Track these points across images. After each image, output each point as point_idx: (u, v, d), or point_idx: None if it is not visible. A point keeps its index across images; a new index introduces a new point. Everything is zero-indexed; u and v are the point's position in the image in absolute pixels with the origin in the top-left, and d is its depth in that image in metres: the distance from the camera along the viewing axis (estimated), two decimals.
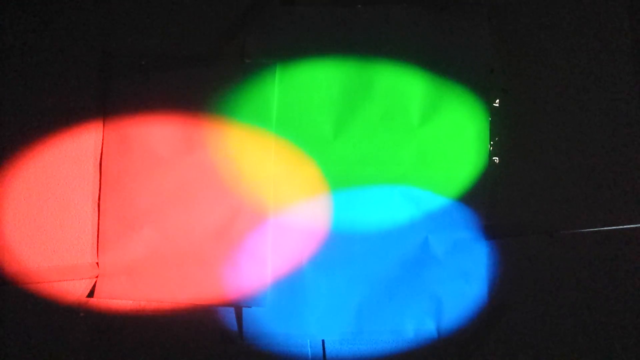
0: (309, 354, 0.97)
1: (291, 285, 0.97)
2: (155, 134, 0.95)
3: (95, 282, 0.95)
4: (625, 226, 1.00)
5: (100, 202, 0.95)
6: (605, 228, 1.00)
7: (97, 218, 0.95)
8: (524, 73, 1.00)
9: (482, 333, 0.99)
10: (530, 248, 1.00)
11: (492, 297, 0.99)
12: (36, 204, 0.94)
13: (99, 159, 0.95)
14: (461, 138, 0.98)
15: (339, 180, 0.98)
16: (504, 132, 0.99)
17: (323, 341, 0.98)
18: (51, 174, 0.94)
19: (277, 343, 0.96)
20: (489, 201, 0.99)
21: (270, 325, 0.96)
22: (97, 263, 0.95)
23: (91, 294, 0.95)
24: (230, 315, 0.97)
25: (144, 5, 0.97)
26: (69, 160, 0.95)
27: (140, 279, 0.95)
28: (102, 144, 0.95)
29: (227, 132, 0.96)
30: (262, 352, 0.97)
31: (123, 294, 0.94)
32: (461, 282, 0.98)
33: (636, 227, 1.00)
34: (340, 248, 0.97)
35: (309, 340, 0.98)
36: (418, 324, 0.98)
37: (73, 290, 0.95)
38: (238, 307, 0.96)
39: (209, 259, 0.95)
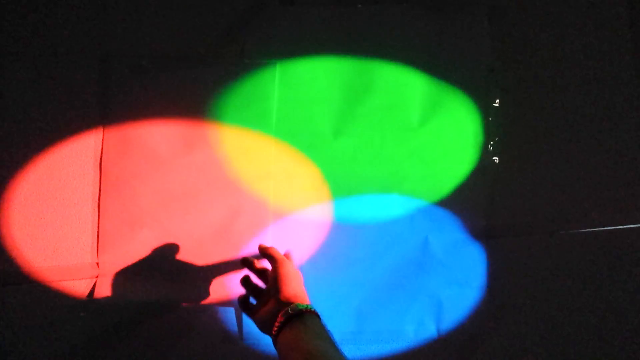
0: None
1: None
2: (155, 134, 0.95)
3: (95, 282, 0.95)
4: (625, 226, 1.00)
5: (100, 202, 0.95)
6: (606, 228, 1.00)
7: (97, 218, 0.95)
8: (524, 73, 1.00)
9: (482, 333, 0.99)
10: (530, 248, 1.00)
11: (492, 297, 0.99)
12: (36, 204, 0.94)
13: (99, 160, 0.95)
14: (461, 138, 0.99)
15: (339, 180, 0.97)
16: (504, 132, 0.99)
17: None
18: (51, 174, 0.94)
19: None
20: (488, 201, 0.99)
21: None
22: (97, 263, 0.95)
23: (91, 294, 0.95)
24: (230, 315, 0.97)
25: (143, 5, 0.97)
26: (69, 161, 0.95)
27: (140, 279, 0.95)
28: (102, 144, 0.95)
29: (226, 132, 0.96)
30: (262, 352, 0.97)
31: (123, 294, 0.94)
32: (461, 282, 0.98)
33: (636, 227, 1.00)
34: (340, 248, 0.97)
35: None
36: (418, 324, 0.98)
37: (73, 290, 0.95)
38: (238, 307, 0.96)
39: (209, 259, 0.95)
